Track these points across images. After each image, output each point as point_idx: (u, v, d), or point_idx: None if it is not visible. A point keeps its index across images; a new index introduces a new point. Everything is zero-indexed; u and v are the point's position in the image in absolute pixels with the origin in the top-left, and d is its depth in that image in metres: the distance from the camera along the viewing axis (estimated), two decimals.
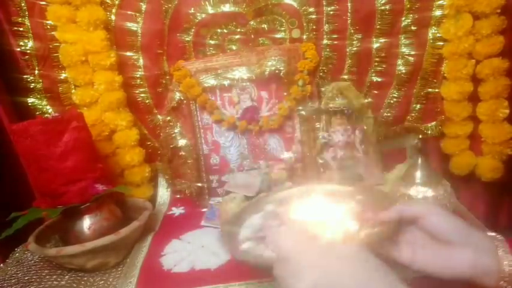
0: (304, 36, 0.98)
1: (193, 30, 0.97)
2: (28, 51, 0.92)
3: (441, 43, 0.94)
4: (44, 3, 0.89)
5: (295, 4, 0.96)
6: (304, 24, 0.97)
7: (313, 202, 0.57)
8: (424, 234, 0.49)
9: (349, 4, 0.95)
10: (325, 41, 0.98)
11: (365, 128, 0.97)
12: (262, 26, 0.98)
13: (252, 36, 0.99)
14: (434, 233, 0.47)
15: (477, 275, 0.44)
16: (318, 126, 0.98)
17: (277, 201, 0.60)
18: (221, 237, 0.57)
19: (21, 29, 0.91)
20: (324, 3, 0.95)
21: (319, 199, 0.58)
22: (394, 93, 1.01)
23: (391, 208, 0.50)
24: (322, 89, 1.00)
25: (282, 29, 0.98)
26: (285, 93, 0.97)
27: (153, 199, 1.01)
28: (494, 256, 0.43)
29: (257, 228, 0.55)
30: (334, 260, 0.36)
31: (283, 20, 0.97)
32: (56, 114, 0.91)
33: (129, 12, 0.94)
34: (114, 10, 0.94)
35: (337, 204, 0.56)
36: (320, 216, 0.53)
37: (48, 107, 0.96)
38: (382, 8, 0.94)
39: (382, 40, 0.97)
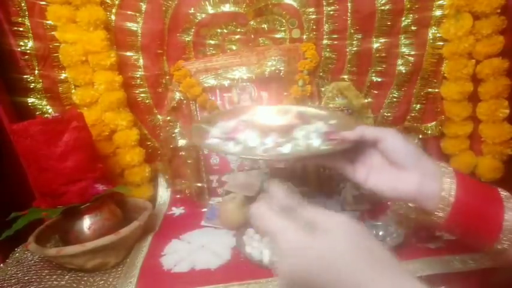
0: (304, 36, 0.98)
1: (193, 30, 0.97)
2: (28, 51, 0.92)
3: (441, 43, 0.94)
4: (44, 3, 0.89)
5: (295, 4, 0.96)
6: (304, 24, 0.97)
7: (285, 118, 0.61)
8: (380, 157, 0.52)
9: (349, 4, 0.94)
10: (325, 41, 0.98)
11: None
12: (262, 26, 0.98)
13: (252, 36, 0.99)
14: (389, 156, 0.51)
15: (420, 198, 0.48)
16: None
17: (251, 114, 0.65)
18: (192, 130, 0.63)
19: (21, 29, 0.91)
20: (324, 3, 0.95)
21: (292, 116, 0.63)
22: (394, 93, 1.01)
23: (355, 129, 0.54)
24: (322, 89, 1.00)
25: (282, 29, 0.98)
26: (285, 93, 0.97)
27: (153, 199, 1.01)
28: (439, 183, 0.47)
29: (227, 130, 0.60)
30: (317, 239, 0.33)
31: (283, 20, 0.98)
32: (56, 114, 0.91)
33: (129, 12, 0.94)
34: (114, 10, 0.94)
35: (307, 123, 0.60)
36: (287, 128, 0.58)
37: (48, 107, 0.96)
38: (382, 8, 0.94)
39: (382, 40, 0.97)
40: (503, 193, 0.48)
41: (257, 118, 0.62)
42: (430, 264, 0.65)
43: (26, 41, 0.91)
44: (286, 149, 0.54)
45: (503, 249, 0.45)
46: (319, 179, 0.95)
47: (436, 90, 0.98)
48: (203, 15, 0.96)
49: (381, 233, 0.70)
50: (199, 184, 0.99)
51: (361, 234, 0.34)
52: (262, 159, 0.53)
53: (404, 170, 0.49)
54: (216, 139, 0.59)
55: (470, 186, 0.48)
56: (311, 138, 0.56)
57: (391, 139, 0.51)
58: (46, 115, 0.95)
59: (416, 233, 0.70)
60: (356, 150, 0.54)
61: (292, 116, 0.62)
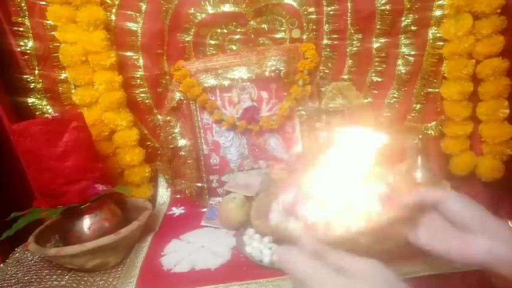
0: (304, 36, 0.98)
1: (193, 30, 0.97)
2: (28, 51, 0.92)
3: (441, 43, 0.94)
4: (44, 3, 0.89)
5: (295, 4, 0.96)
6: (304, 24, 0.97)
7: (344, 182, 0.57)
8: (443, 219, 0.49)
9: (349, 4, 0.95)
10: (325, 41, 0.98)
11: None
12: (262, 26, 0.98)
13: (252, 36, 0.99)
14: (453, 218, 0.48)
15: (492, 263, 0.45)
16: (318, 126, 0.98)
17: (311, 181, 0.60)
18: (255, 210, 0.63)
19: (21, 29, 0.91)
20: (324, 3, 0.95)
21: (352, 178, 0.58)
22: (394, 93, 1.01)
23: (413, 191, 0.51)
24: (322, 89, 1.00)
25: (282, 29, 0.98)
26: (285, 93, 0.97)
27: (153, 199, 1.01)
28: (511, 245, 0.44)
29: (287, 204, 0.57)
30: (348, 282, 0.35)
31: (283, 20, 0.98)
32: (56, 114, 0.91)
33: (129, 12, 0.94)
34: (114, 10, 0.94)
35: (367, 185, 0.56)
36: (347, 198, 0.54)
37: (48, 107, 0.96)
38: (382, 8, 0.94)
39: (382, 40, 0.97)
40: None
41: (315, 184, 0.58)
42: (430, 264, 0.65)
43: (26, 41, 0.91)
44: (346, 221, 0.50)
45: None
46: None
47: (436, 90, 0.98)
48: (203, 15, 0.96)
49: None
50: (199, 184, 0.99)
51: (390, 281, 0.35)
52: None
53: (470, 233, 0.46)
54: (277, 216, 0.56)
55: None
56: (371, 203, 0.53)
57: (452, 202, 0.48)
58: (46, 115, 0.95)
59: None
60: (417, 212, 0.52)
61: (352, 179, 0.58)
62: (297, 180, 0.62)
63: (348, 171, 0.59)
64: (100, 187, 0.77)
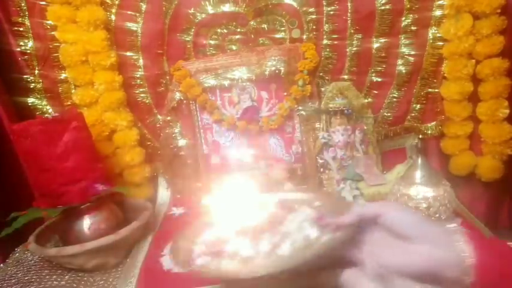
0: (304, 36, 0.98)
1: (193, 30, 0.97)
2: (28, 51, 0.92)
3: (441, 43, 0.94)
4: (44, 3, 0.89)
5: (295, 4, 0.96)
6: (304, 24, 0.97)
7: (268, 211, 0.55)
8: (385, 233, 0.48)
9: (349, 4, 0.95)
10: (325, 41, 0.98)
11: (365, 128, 0.98)
12: (262, 26, 0.98)
13: (252, 36, 0.99)
14: (393, 229, 0.47)
15: (436, 268, 0.44)
16: (318, 126, 0.98)
17: (229, 217, 0.57)
18: (171, 253, 0.56)
19: (21, 29, 0.91)
20: (324, 3, 0.95)
21: (274, 207, 0.57)
22: (394, 93, 1.01)
23: (351, 211, 0.50)
24: (322, 89, 1.00)
25: (282, 29, 0.98)
26: (285, 93, 0.97)
27: (153, 199, 1.01)
28: (452, 249, 0.43)
29: (211, 243, 0.54)
30: None
31: (283, 20, 0.98)
32: (56, 114, 0.91)
33: (129, 12, 0.94)
34: (114, 10, 0.94)
35: (294, 212, 0.54)
36: (275, 225, 0.52)
37: (48, 107, 0.96)
38: (382, 8, 0.94)
39: (382, 40, 0.97)
40: None
41: (239, 220, 0.54)
42: None
43: (26, 41, 0.92)
44: (286, 249, 0.47)
45: None
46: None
47: (436, 90, 0.98)
48: (203, 15, 0.96)
49: None
50: (199, 184, 0.99)
51: None
52: (270, 275, 0.44)
53: (411, 242, 0.45)
54: (204, 258, 0.51)
55: (484, 242, 0.44)
56: (305, 228, 0.50)
57: (390, 213, 0.47)
58: (46, 115, 0.95)
59: None
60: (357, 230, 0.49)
61: (274, 208, 0.56)
62: (211, 220, 0.58)
63: (268, 202, 0.57)
64: (100, 187, 0.77)
